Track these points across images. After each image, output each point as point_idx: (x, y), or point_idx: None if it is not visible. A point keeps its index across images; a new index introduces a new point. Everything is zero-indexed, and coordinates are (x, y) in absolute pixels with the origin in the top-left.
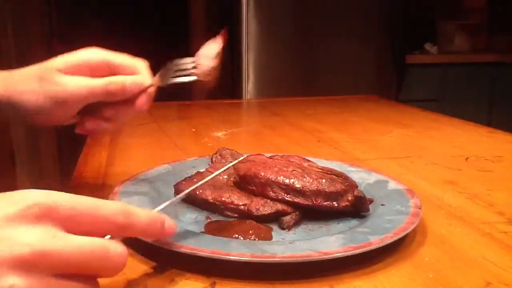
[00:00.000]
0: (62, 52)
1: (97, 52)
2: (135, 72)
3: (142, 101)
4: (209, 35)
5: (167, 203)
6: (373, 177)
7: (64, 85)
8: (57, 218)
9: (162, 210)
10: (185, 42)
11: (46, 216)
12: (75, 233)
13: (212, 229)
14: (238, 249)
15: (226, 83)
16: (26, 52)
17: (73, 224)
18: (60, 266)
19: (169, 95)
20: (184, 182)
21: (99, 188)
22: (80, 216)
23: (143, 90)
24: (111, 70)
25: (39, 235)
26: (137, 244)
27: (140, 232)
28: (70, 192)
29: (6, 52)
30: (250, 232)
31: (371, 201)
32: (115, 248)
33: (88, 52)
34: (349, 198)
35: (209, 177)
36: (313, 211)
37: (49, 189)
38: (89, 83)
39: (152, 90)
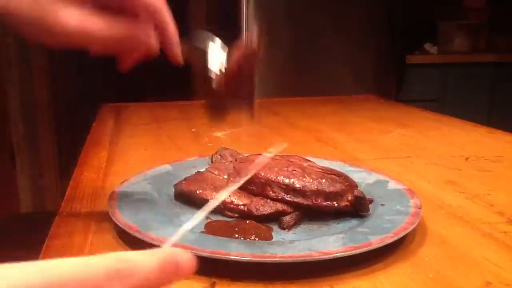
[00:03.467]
0: (61, 53)
1: None
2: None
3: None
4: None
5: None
6: (373, 177)
7: (63, 22)
8: None
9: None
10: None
11: None
12: None
13: (212, 229)
14: (238, 249)
15: None
16: (26, 52)
17: None
18: None
19: (169, 95)
20: (184, 182)
21: (99, 188)
22: None
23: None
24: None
25: None
26: (136, 244)
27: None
28: (69, 193)
29: (6, 52)
30: (250, 232)
31: (371, 201)
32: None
33: None
34: (349, 198)
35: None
36: (313, 211)
37: (47, 190)
38: (101, 30)
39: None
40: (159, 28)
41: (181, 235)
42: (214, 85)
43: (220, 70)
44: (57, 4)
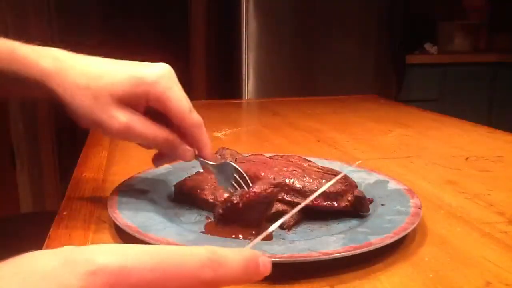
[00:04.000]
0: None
1: (162, 81)
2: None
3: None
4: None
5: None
6: (373, 177)
7: (114, 120)
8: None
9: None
10: (184, 41)
11: (116, 285)
12: None
13: (212, 229)
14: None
15: (226, 83)
16: None
17: None
18: None
19: None
20: (184, 182)
21: (99, 188)
22: (159, 280)
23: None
24: (164, 111)
25: None
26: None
27: (233, 283)
28: (69, 193)
29: None
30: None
31: (371, 201)
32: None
33: (152, 79)
34: (349, 198)
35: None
36: (313, 211)
37: (47, 190)
38: (143, 131)
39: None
40: (195, 141)
41: (263, 236)
42: (234, 198)
43: (243, 187)
44: (114, 105)
